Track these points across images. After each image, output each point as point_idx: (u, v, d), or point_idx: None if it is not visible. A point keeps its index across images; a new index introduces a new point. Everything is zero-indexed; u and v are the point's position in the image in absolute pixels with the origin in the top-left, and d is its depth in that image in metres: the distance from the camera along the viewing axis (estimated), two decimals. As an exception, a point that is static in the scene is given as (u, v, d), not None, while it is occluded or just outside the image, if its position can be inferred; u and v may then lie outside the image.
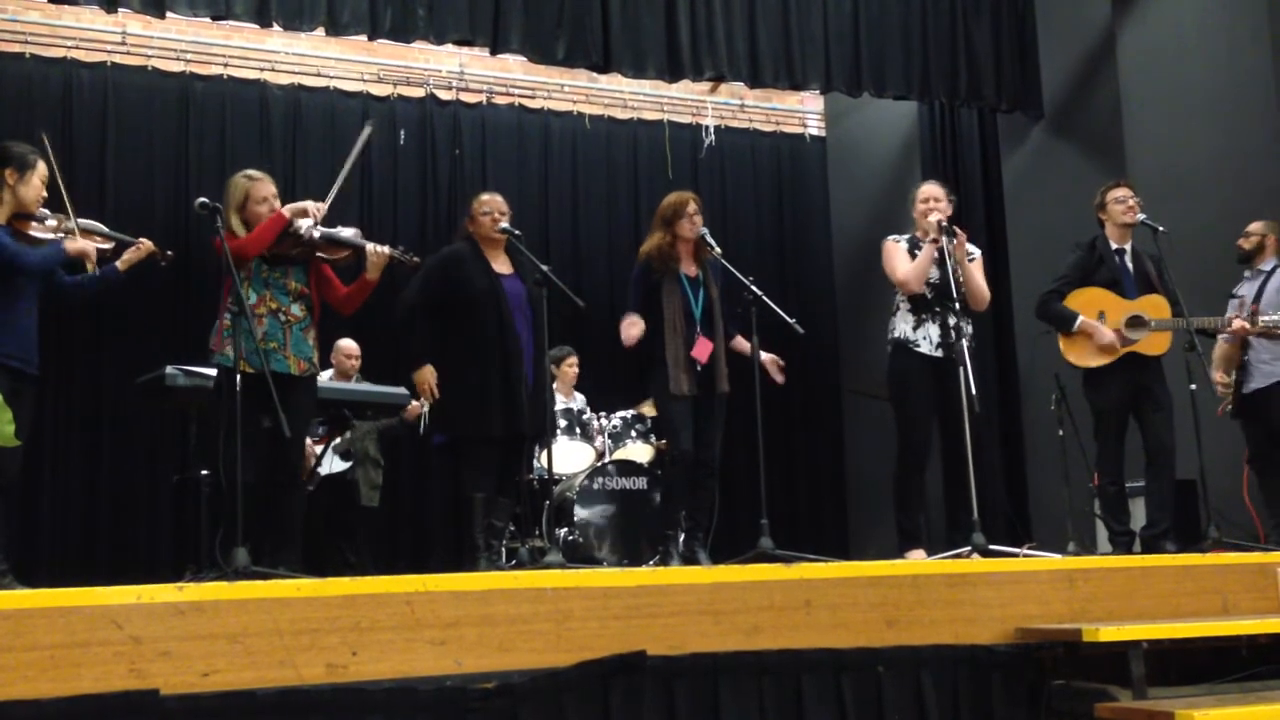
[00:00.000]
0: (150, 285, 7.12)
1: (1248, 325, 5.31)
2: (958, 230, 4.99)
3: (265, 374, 4.06)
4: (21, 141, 4.36)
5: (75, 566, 6.61)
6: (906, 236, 5.17)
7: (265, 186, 4.43)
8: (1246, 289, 5.66)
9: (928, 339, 4.98)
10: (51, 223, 4.35)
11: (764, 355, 5.00)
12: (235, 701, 2.83)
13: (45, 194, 4.33)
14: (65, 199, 4.38)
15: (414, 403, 5.96)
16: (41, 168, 4.30)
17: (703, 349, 4.87)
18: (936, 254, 4.95)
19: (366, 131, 4.78)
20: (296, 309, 4.39)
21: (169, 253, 4.57)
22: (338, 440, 6.33)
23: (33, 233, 4.27)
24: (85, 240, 4.30)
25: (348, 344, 6.64)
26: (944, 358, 4.93)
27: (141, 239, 4.51)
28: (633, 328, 4.88)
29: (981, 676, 3.51)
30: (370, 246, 4.50)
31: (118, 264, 4.44)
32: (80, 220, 4.40)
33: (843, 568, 3.81)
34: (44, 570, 6.49)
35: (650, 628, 3.28)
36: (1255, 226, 5.77)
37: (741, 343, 5.04)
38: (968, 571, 3.85)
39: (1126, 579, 3.91)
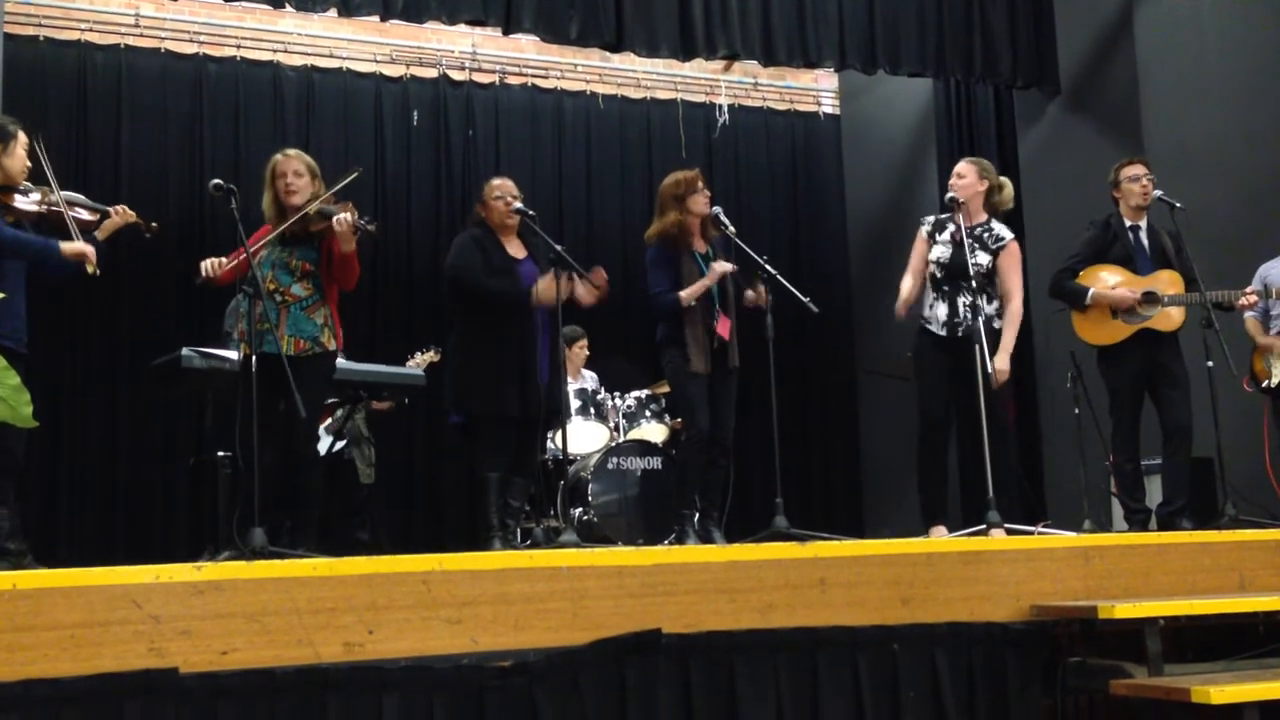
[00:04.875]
0: (166, 267, 7.20)
1: (1257, 300, 5.30)
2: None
3: (261, 355, 4.10)
4: (3, 114, 4.35)
5: (93, 548, 6.66)
6: (933, 218, 5.18)
7: (286, 163, 4.45)
8: None
9: (935, 318, 5.00)
10: (35, 195, 4.31)
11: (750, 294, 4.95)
12: (254, 680, 2.86)
13: (29, 164, 4.30)
14: (48, 171, 4.36)
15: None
16: (23, 137, 4.24)
17: (724, 326, 4.87)
18: (955, 234, 4.96)
19: (355, 174, 4.59)
20: (298, 288, 4.37)
21: (153, 224, 4.56)
22: (329, 421, 6.35)
23: (16, 204, 4.24)
24: (83, 243, 4.21)
25: None
26: (948, 336, 4.95)
27: (119, 206, 4.50)
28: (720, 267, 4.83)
29: (996, 654, 3.51)
30: (336, 216, 4.32)
31: (96, 234, 4.43)
32: (63, 192, 4.38)
33: (857, 546, 3.81)
34: (62, 552, 6.55)
35: (665, 606, 3.30)
36: None
37: (749, 295, 4.99)
38: (983, 549, 3.85)
39: (1142, 556, 3.91)
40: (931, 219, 5.19)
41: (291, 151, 4.53)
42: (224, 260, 4.30)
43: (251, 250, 4.21)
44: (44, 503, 6.85)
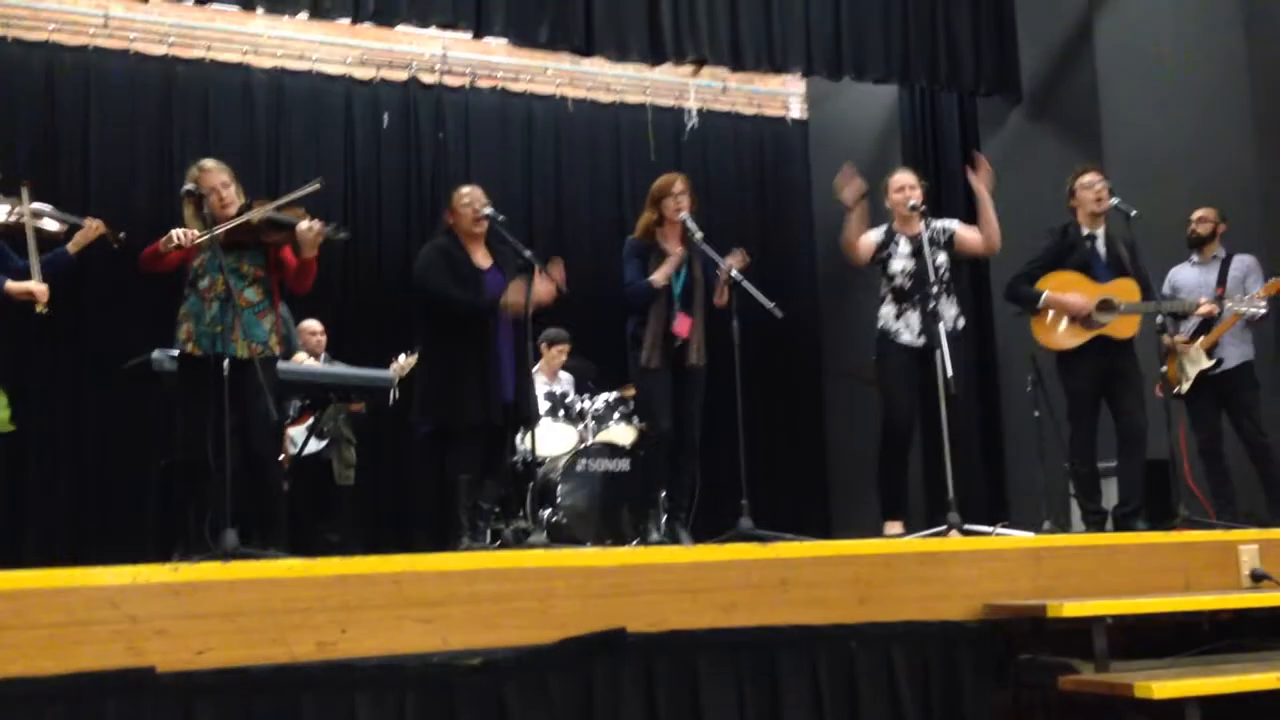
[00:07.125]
0: (135, 269, 7.17)
1: (1215, 309, 5.44)
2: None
3: (213, 356, 4.10)
4: None
5: (62, 550, 6.65)
6: (882, 228, 5.24)
7: (212, 176, 4.39)
8: (1194, 275, 5.76)
9: (909, 328, 5.06)
10: (4, 207, 4.33)
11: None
12: (229, 678, 2.91)
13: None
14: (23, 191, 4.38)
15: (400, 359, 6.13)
16: None
17: (682, 325, 4.95)
18: (913, 243, 5.05)
19: (314, 186, 4.46)
20: (250, 293, 4.39)
21: (121, 235, 4.56)
22: (311, 420, 6.40)
23: None
24: (32, 282, 4.28)
25: (310, 323, 6.74)
26: (925, 346, 5.01)
27: (91, 219, 4.49)
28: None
29: (951, 651, 3.60)
30: (303, 225, 4.36)
31: (69, 246, 4.44)
32: (33, 204, 4.39)
33: (818, 547, 3.90)
34: (30, 557, 6.54)
35: (631, 606, 3.37)
36: (1208, 213, 5.83)
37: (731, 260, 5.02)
38: (938, 550, 3.96)
39: (1092, 557, 4.02)
40: (876, 234, 5.21)
41: (209, 164, 4.44)
42: (196, 234, 4.23)
43: (207, 238, 4.18)
44: (11, 506, 6.83)
